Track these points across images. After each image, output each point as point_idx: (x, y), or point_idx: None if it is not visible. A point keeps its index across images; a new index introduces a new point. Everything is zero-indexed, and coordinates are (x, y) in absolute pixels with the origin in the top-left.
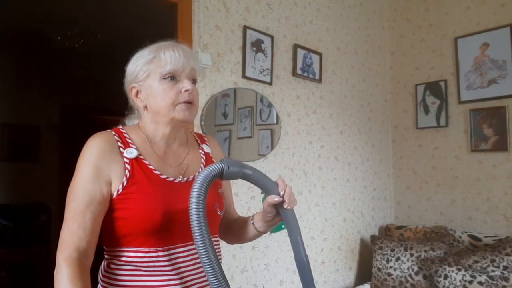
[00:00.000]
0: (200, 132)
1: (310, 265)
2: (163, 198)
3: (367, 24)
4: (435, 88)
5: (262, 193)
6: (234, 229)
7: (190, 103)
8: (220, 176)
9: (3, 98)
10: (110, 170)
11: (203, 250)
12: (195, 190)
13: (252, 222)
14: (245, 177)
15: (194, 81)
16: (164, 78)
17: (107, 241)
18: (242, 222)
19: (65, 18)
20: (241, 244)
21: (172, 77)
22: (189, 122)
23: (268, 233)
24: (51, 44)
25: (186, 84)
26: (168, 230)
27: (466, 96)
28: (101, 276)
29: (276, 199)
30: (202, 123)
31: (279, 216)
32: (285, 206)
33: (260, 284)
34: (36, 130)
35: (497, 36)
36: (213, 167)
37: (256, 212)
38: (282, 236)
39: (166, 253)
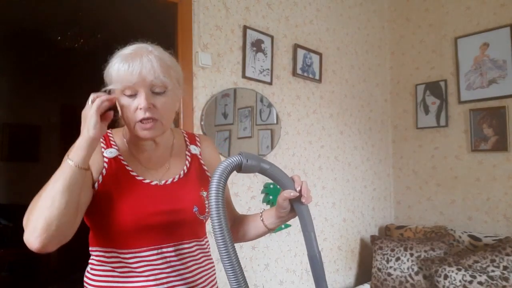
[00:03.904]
0: (200, 132)
1: (322, 261)
2: (135, 200)
3: (367, 24)
4: (435, 88)
5: (262, 192)
6: (238, 228)
7: (149, 119)
8: (238, 169)
9: (3, 98)
10: (92, 163)
11: (222, 245)
12: (214, 182)
13: (261, 219)
14: (262, 171)
15: (158, 92)
16: (124, 94)
17: (89, 240)
18: (248, 220)
19: (65, 18)
20: (241, 244)
21: (130, 94)
22: (153, 139)
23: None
24: (51, 44)
25: (139, 101)
26: (139, 233)
27: (466, 96)
28: (85, 278)
29: (292, 193)
30: (202, 123)
31: (293, 212)
32: (303, 200)
33: (260, 284)
34: (36, 130)
35: (497, 36)
36: (232, 159)
37: (264, 209)
38: (282, 236)
39: (138, 255)
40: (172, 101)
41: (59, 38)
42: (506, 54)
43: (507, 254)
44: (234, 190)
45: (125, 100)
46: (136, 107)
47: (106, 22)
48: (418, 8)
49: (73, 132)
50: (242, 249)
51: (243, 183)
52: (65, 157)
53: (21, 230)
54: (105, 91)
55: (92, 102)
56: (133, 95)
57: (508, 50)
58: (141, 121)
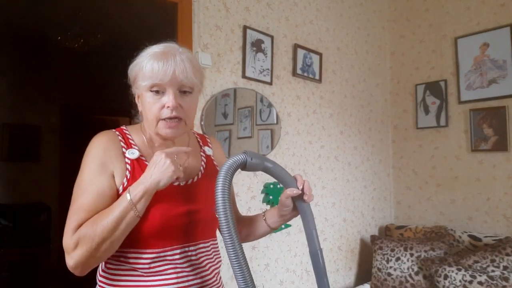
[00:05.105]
0: (201, 132)
1: (324, 258)
2: (161, 201)
3: (367, 24)
4: (435, 88)
5: (262, 192)
6: (241, 228)
7: (174, 118)
8: (243, 167)
9: (3, 98)
10: (114, 167)
11: (229, 243)
12: (220, 180)
13: (264, 218)
14: (266, 170)
15: (185, 92)
16: (151, 90)
17: None
18: (251, 220)
19: (65, 18)
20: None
21: (157, 90)
22: (174, 138)
23: None
24: (51, 44)
25: (168, 99)
26: (165, 233)
27: (466, 96)
28: (99, 277)
29: (295, 191)
30: (202, 123)
31: (295, 211)
32: (305, 198)
33: (260, 284)
34: (36, 130)
35: (497, 36)
36: (237, 157)
37: (266, 209)
38: (282, 236)
39: (161, 255)
40: (196, 102)
41: (59, 38)
42: (506, 54)
43: (507, 254)
44: (234, 190)
45: (150, 97)
46: (162, 104)
47: (106, 22)
48: (418, 8)
49: (73, 132)
50: None
51: (243, 183)
52: (126, 194)
53: (21, 230)
54: (129, 86)
55: (172, 155)
56: (159, 92)
57: (508, 50)
58: (165, 119)
